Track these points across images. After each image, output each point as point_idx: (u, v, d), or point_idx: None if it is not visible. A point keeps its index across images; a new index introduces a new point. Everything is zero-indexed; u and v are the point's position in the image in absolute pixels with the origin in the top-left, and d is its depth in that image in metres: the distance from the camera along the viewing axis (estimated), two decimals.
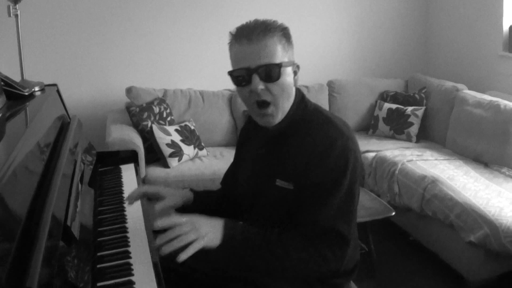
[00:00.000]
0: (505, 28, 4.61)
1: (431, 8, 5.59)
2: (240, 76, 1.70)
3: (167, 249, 1.51)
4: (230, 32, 1.74)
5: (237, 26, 1.73)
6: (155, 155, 4.10)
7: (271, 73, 1.67)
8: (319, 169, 1.68)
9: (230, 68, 1.75)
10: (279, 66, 1.67)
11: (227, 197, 2.10)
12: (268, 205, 1.81)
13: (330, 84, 5.10)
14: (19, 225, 1.27)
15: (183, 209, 1.98)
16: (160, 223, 1.57)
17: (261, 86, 1.67)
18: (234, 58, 1.73)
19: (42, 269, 1.15)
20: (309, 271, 1.68)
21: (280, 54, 1.69)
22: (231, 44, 1.74)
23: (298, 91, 1.85)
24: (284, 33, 1.73)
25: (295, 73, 1.78)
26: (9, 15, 3.28)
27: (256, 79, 1.67)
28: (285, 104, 1.76)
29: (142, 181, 3.64)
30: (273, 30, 1.68)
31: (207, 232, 1.58)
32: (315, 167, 1.69)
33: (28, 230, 1.29)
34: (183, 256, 1.50)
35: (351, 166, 1.70)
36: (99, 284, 1.48)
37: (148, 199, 1.98)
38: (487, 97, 4.28)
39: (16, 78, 2.40)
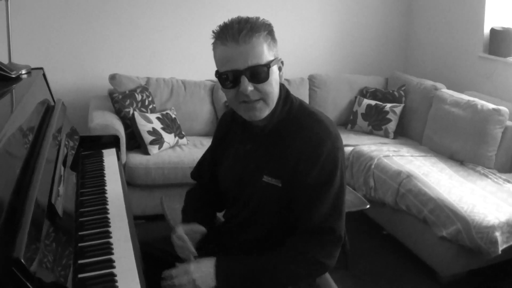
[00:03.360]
0: (486, 30, 4.68)
1: (414, 7, 5.66)
2: (228, 78, 1.67)
3: None
4: (213, 31, 1.70)
5: (219, 24, 1.69)
6: (136, 142, 4.13)
7: (260, 74, 1.65)
8: (310, 169, 1.72)
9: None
10: (267, 66, 1.65)
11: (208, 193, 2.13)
12: (254, 200, 1.84)
13: (311, 78, 5.14)
14: (5, 202, 1.31)
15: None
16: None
17: (250, 87, 1.65)
18: (220, 59, 1.69)
19: (28, 243, 1.19)
20: (308, 274, 1.82)
21: (266, 53, 1.66)
22: (216, 45, 1.70)
23: (283, 87, 1.82)
24: (269, 31, 1.69)
25: (279, 69, 1.77)
26: None
27: (245, 81, 1.64)
28: (273, 100, 1.75)
29: (123, 167, 3.68)
30: (258, 29, 1.64)
31: (199, 276, 1.69)
32: (305, 167, 1.72)
33: (15, 207, 1.33)
34: None
35: (340, 164, 1.76)
36: (80, 261, 1.52)
37: None
38: (465, 97, 4.33)
39: (4, 60, 2.42)
